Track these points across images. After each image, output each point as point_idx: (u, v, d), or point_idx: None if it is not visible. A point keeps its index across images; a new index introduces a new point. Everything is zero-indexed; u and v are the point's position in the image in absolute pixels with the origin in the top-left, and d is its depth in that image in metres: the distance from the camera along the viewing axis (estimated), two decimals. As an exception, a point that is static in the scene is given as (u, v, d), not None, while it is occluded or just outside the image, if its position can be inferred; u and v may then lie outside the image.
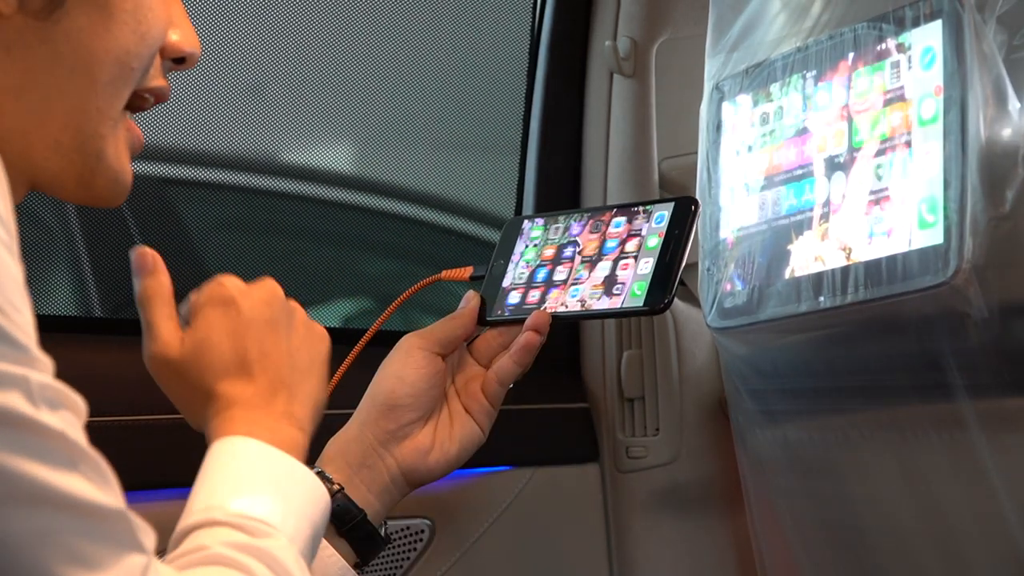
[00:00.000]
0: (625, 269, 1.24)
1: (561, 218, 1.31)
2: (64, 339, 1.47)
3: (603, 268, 1.25)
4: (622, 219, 1.27)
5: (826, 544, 1.47)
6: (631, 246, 1.24)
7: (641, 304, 1.21)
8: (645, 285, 1.21)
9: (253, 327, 1.02)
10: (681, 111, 1.66)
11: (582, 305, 1.25)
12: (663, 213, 1.24)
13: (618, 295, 1.23)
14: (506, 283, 1.30)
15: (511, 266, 1.31)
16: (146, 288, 1.03)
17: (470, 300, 1.28)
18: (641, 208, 1.27)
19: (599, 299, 1.24)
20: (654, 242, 1.23)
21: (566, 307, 1.25)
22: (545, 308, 1.25)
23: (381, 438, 1.21)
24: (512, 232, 1.34)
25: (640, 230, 1.25)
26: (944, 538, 1.32)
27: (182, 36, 0.96)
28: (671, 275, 1.20)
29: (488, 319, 1.28)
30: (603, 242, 1.27)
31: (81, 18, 0.87)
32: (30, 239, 1.56)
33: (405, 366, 1.22)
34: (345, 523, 1.18)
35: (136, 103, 0.94)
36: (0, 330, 0.70)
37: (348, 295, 1.97)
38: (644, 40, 1.72)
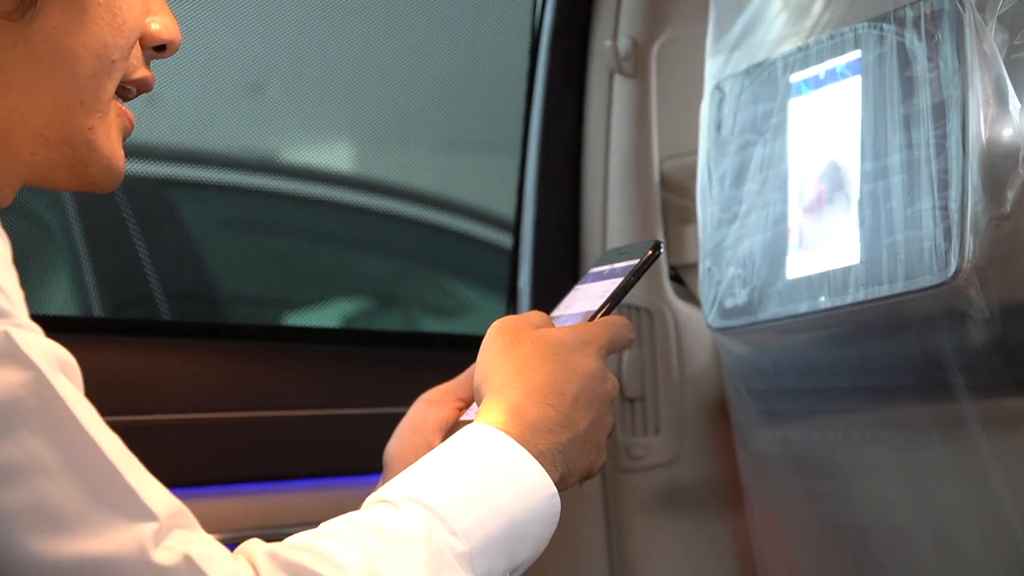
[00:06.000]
0: None
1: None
2: (64, 339, 1.46)
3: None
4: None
5: (826, 544, 1.47)
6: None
7: None
8: None
9: None
10: (682, 111, 1.66)
11: None
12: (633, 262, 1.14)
13: None
14: None
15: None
16: None
17: None
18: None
19: None
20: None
21: None
22: None
23: None
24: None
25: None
26: (944, 538, 1.32)
27: (161, 24, 0.95)
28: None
29: None
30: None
31: (55, 16, 0.88)
32: (30, 239, 1.56)
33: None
34: None
35: (119, 93, 0.94)
36: None
37: (348, 295, 1.96)
38: (645, 39, 1.72)
